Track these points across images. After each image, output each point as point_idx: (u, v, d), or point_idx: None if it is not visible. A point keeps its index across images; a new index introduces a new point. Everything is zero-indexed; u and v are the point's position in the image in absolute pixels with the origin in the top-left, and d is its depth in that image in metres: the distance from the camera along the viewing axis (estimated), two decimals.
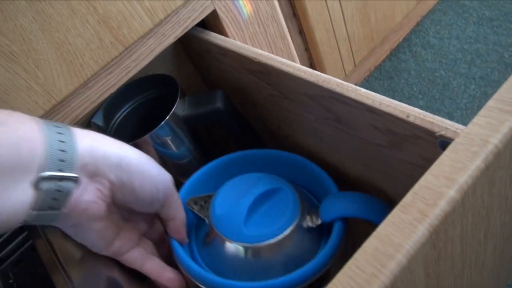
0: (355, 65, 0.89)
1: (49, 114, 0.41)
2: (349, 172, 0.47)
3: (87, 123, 0.53)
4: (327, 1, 0.73)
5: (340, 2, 0.75)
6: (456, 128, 0.28)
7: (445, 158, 0.22)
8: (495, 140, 0.22)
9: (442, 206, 0.21)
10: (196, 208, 0.44)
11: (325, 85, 0.37)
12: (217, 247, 0.41)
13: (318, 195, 0.47)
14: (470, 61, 0.88)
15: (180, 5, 0.45)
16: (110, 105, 0.52)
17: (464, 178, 0.21)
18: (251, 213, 0.41)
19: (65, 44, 0.38)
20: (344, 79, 0.89)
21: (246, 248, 0.39)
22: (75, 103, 0.43)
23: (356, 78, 0.94)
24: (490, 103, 0.24)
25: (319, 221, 0.41)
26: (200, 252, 0.44)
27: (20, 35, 0.35)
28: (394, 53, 0.96)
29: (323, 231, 0.42)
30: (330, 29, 0.76)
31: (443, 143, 0.29)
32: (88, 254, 0.41)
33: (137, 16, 0.42)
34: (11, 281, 0.43)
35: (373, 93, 0.34)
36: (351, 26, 0.80)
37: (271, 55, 0.43)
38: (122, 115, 0.56)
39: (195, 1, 0.47)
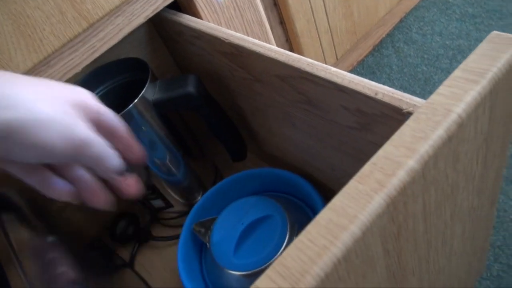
0: (337, 59, 0.88)
1: None
2: (323, 157, 0.46)
3: None
4: None
5: None
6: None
7: (407, 128, 0.21)
8: (459, 109, 0.21)
9: (400, 176, 0.19)
10: (201, 233, 0.50)
11: (295, 64, 0.35)
12: (217, 270, 0.46)
13: (312, 209, 0.52)
14: (452, 57, 0.88)
15: None
16: (83, 87, 0.50)
17: (425, 148, 0.20)
18: (242, 241, 0.46)
19: (23, 17, 0.36)
20: None
21: (238, 276, 0.45)
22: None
23: None
24: (456, 72, 0.23)
25: None
26: (208, 272, 0.51)
27: None
28: (377, 49, 0.96)
29: None
30: (311, 19, 0.75)
31: None
32: (39, 243, 0.39)
33: None
34: None
35: (343, 72, 0.32)
36: (333, 19, 0.79)
37: (243, 36, 0.41)
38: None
39: None
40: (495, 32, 0.23)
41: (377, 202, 0.19)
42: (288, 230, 0.46)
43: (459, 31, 0.92)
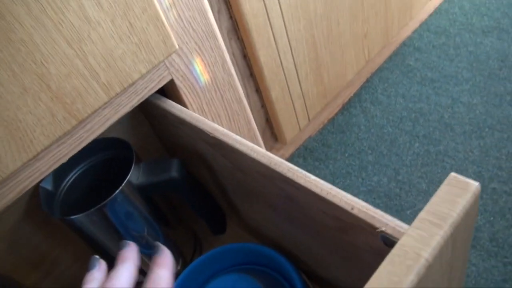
0: (309, 120, 0.93)
1: None
2: (301, 241, 0.48)
3: (34, 187, 0.51)
4: (283, 63, 0.76)
5: (295, 64, 0.79)
6: (396, 225, 0.30)
7: (383, 271, 0.24)
8: (426, 254, 0.24)
9: None
10: None
11: (276, 168, 0.38)
12: None
13: (287, 279, 0.53)
14: (414, 119, 0.95)
15: (137, 78, 0.45)
16: (60, 168, 0.51)
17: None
18: None
19: (15, 122, 0.37)
20: (298, 133, 0.92)
21: None
22: (23, 175, 0.41)
23: (310, 131, 0.98)
24: (422, 214, 0.26)
25: None
26: None
27: None
28: (346, 107, 1.02)
29: None
30: (285, 87, 0.80)
31: (384, 238, 0.31)
32: None
33: (93, 91, 0.42)
34: None
35: (322, 182, 0.35)
36: (305, 85, 0.84)
37: (227, 131, 0.44)
38: (72, 178, 0.54)
39: (152, 73, 0.48)
40: (452, 174, 0.27)
41: None
42: None
43: (420, 94, 1.00)
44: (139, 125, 0.61)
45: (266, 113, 0.82)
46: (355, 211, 0.32)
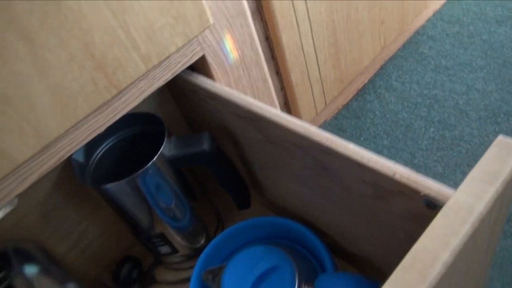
0: (325, 104, 0.94)
1: (37, 155, 0.40)
2: (329, 213, 0.50)
3: (66, 159, 0.52)
4: (303, 47, 0.77)
5: (314, 48, 0.79)
6: (439, 189, 0.31)
7: (438, 224, 0.25)
8: (480, 208, 0.25)
9: (438, 269, 0.23)
10: (210, 279, 0.51)
11: (314, 138, 0.39)
12: None
13: (317, 259, 0.54)
14: (429, 105, 0.96)
15: (173, 51, 0.46)
16: (91, 141, 0.52)
17: (456, 243, 0.24)
18: None
19: (61, 88, 0.38)
20: (315, 117, 0.93)
21: None
22: (62, 143, 0.42)
23: (326, 115, 0.99)
24: (473, 173, 0.27)
25: None
26: None
27: (16, 79, 0.35)
28: (361, 94, 1.02)
29: None
30: (305, 71, 0.80)
31: (427, 201, 0.32)
32: None
33: (132, 62, 0.43)
34: None
35: (362, 150, 0.36)
36: (323, 69, 0.85)
37: (261, 104, 0.45)
38: (102, 151, 0.55)
39: (186, 47, 0.49)
40: (500, 137, 0.28)
41: None
42: (297, 280, 0.49)
43: (434, 81, 1.01)
44: (166, 103, 0.62)
45: (285, 96, 0.83)
46: (397, 177, 0.33)
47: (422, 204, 0.33)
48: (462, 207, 0.25)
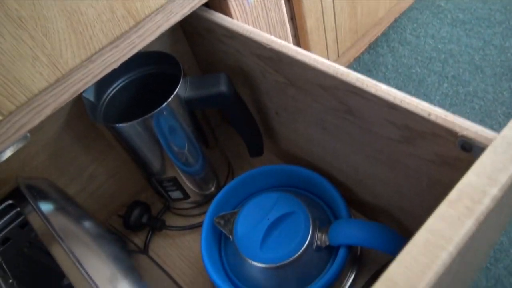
0: (338, 55, 0.91)
1: (51, 87, 0.38)
2: (348, 160, 0.49)
3: (76, 96, 0.50)
4: None
5: None
6: (477, 130, 0.30)
7: (486, 159, 0.24)
8: None
9: (487, 203, 0.22)
10: (222, 225, 0.51)
11: (344, 78, 0.37)
12: (241, 261, 0.49)
13: (331, 208, 0.54)
14: (444, 60, 0.93)
15: None
16: (102, 80, 0.50)
17: (505, 178, 0.23)
18: (267, 236, 0.48)
19: (77, 14, 0.36)
20: None
21: (262, 267, 0.47)
22: (77, 76, 0.40)
23: None
24: None
25: (328, 242, 0.47)
26: (229, 262, 0.53)
27: (31, 0, 0.33)
28: (373, 47, 0.99)
29: (332, 248, 0.49)
30: (320, 18, 0.77)
31: (463, 142, 0.31)
32: (87, 228, 0.40)
33: None
34: None
35: (394, 90, 0.35)
36: (339, 18, 0.81)
37: (284, 42, 0.43)
38: (114, 91, 0.54)
39: None
40: None
41: (468, 226, 0.22)
42: (311, 226, 0.49)
43: (450, 36, 0.97)
44: (178, 43, 0.60)
45: (298, 43, 0.80)
46: (432, 117, 0.32)
47: (456, 146, 0.32)
48: (511, 143, 0.24)
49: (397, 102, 0.34)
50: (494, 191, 0.23)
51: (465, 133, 0.30)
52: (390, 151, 0.40)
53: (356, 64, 0.96)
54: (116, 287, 0.33)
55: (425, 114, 0.33)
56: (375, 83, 0.36)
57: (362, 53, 0.98)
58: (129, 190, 0.67)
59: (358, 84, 0.36)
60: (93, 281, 0.33)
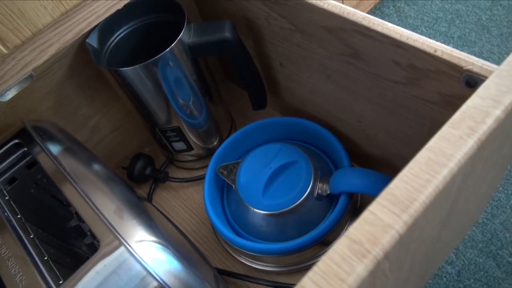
0: None
1: (56, 24, 0.38)
2: (352, 110, 0.49)
3: (80, 44, 0.50)
4: None
5: None
6: (482, 64, 0.30)
7: (491, 83, 0.24)
8: None
9: (489, 123, 0.23)
10: (225, 174, 0.52)
11: (350, 17, 0.37)
12: (243, 209, 0.50)
13: (333, 159, 0.55)
14: (450, 21, 0.91)
15: None
16: (106, 26, 0.49)
17: (509, 100, 0.23)
18: (269, 184, 0.49)
19: None
20: None
21: (264, 215, 0.48)
22: (81, 15, 0.40)
23: None
24: None
25: (329, 191, 0.48)
26: (231, 210, 0.54)
27: None
28: (378, 7, 0.97)
29: (333, 196, 0.50)
30: None
31: (467, 77, 0.31)
32: (96, 170, 0.41)
33: None
34: (7, 198, 0.41)
35: (400, 28, 0.35)
36: None
37: None
38: (118, 38, 0.53)
39: None
40: None
41: (470, 144, 0.22)
42: (312, 175, 0.49)
43: None
44: None
45: None
46: (438, 53, 0.32)
47: (460, 83, 0.32)
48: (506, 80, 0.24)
49: (403, 39, 0.34)
50: (498, 112, 0.23)
51: (470, 67, 0.30)
52: (394, 95, 0.40)
53: None
54: (123, 217, 0.34)
55: (431, 50, 0.32)
56: (382, 22, 0.36)
57: (368, 13, 0.96)
58: (133, 143, 0.67)
59: (365, 23, 0.36)
60: (103, 215, 0.34)
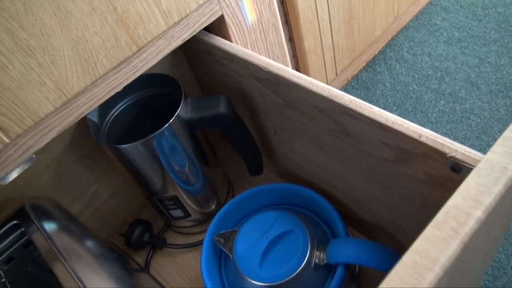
0: (336, 74, 0.93)
1: (57, 110, 0.40)
2: (345, 179, 0.50)
3: (81, 119, 0.52)
4: (318, 12, 0.75)
5: (329, 13, 0.78)
6: (465, 151, 0.31)
7: (471, 182, 0.25)
8: None
9: (471, 225, 0.23)
10: (222, 243, 0.52)
11: (338, 100, 0.39)
12: (241, 279, 0.49)
13: (329, 226, 0.55)
14: (440, 78, 0.95)
15: (194, 9, 0.45)
16: (106, 102, 0.52)
17: (489, 200, 0.24)
18: (266, 254, 0.49)
19: (82, 42, 0.38)
20: None
21: (261, 286, 0.47)
22: (82, 100, 0.42)
23: (336, 86, 0.98)
24: (507, 133, 0.27)
25: (326, 261, 0.48)
26: (228, 280, 0.53)
27: (39, 30, 0.34)
28: (371, 65, 1.01)
29: (330, 266, 0.49)
30: (318, 38, 0.79)
31: (452, 163, 0.32)
32: (89, 247, 0.41)
33: (153, 18, 0.42)
34: (3, 280, 0.41)
35: (386, 112, 0.36)
36: (336, 37, 0.84)
37: (281, 65, 0.44)
38: (117, 112, 0.55)
39: (205, 6, 0.48)
40: None
41: (454, 247, 0.23)
42: (309, 244, 0.50)
43: (446, 54, 0.99)
44: (179, 65, 0.62)
45: (297, 63, 0.82)
46: (423, 139, 0.33)
47: (446, 166, 0.33)
48: (495, 166, 0.25)
49: (389, 124, 0.35)
50: (478, 213, 0.24)
51: (454, 154, 0.32)
52: (384, 170, 0.41)
53: (354, 82, 0.98)
54: None
55: (415, 136, 0.34)
56: (368, 105, 0.37)
57: (360, 71, 1.00)
58: (131, 209, 0.68)
59: (352, 106, 0.38)
60: None
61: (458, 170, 0.32)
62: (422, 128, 0.34)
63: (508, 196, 0.27)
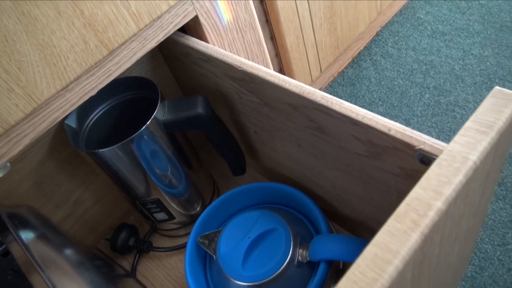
0: (321, 71, 0.93)
1: (29, 116, 0.40)
2: (325, 176, 0.50)
3: (59, 124, 0.51)
4: (298, 10, 0.75)
5: (310, 11, 0.78)
6: (433, 143, 0.31)
7: (432, 173, 0.25)
8: (474, 157, 0.25)
9: (431, 216, 0.23)
10: (206, 244, 0.52)
11: (309, 96, 0.39)
12: (224, 280, 0.49)
13: (313, 223, 0.55)
14: (425, 72, 0.95)
15: (165, 10, 0.45)
16: (84, 107, 0.51)
17: (449, 191, 0.24)
18: (249, 254, 0.49)
19: (49, 47, 0.37)
20: (310, 84, 0.93)
21: (245, 286, 0.48)
22: (55, 105, 0.42)
23: (321, 83, 0.98)
24: (468, 124, 0.27)
25: (309, 258, 0.48)
26: (213, 281, 0.53)
27: (4, 36, 0.34)
28: (356, 61, 1.01)
29: (314, 263, 0.49)
30: (300, 36, 0.79)
31: (421, 155, 0.32)
32: (67, 255, 0.41)
33: (123, 20, 0.41)
34: None
35: (356, 107, 0.36)
36: (319, 34, 0.84)
37: (255, 64, 0.44)
38: (95, 117, 0.55)
39: (178, 7, 0.47)
40: (497, 88, 0.28)
41: (414, 239, 0.23)
42: (292, 242, 0.49)
43: (430, 47, 1.00)
44: (158, 68, 0.61)
45: (280, 62, 0.82)
46: (392, 132, 0.33)
47: (416, 160, 0.33)
48: (456, 156, 0.25)
49: (359, 118, 0.35)
50: (439, 204, 0.24)
51: (422, 146, 0.31)
52: (360, 166, 0.41)
53: (340, 79, 0.98)
54: None
55: (385, 130, 0.34)
56: (339, 101, 0.37)
57: (346, 68, 1.00)
58: (116, 214, 0.68)
59: (323, 102, 0.38)
60: None
61: (427, 163, 0.32)
62: (392, 122, 0.34)
63: (472, 186, 0.27)
